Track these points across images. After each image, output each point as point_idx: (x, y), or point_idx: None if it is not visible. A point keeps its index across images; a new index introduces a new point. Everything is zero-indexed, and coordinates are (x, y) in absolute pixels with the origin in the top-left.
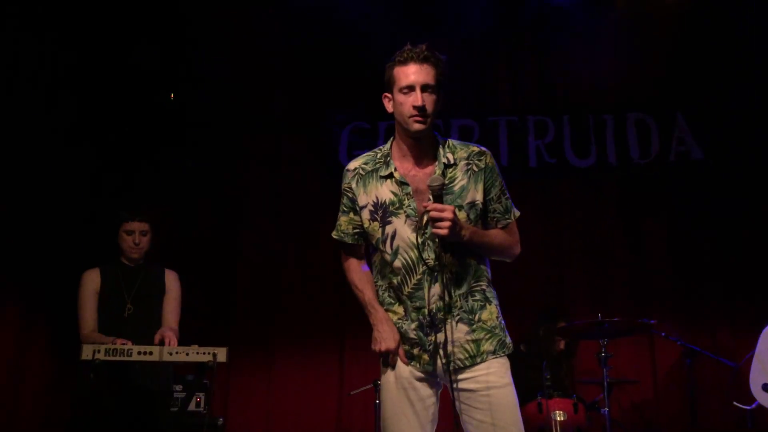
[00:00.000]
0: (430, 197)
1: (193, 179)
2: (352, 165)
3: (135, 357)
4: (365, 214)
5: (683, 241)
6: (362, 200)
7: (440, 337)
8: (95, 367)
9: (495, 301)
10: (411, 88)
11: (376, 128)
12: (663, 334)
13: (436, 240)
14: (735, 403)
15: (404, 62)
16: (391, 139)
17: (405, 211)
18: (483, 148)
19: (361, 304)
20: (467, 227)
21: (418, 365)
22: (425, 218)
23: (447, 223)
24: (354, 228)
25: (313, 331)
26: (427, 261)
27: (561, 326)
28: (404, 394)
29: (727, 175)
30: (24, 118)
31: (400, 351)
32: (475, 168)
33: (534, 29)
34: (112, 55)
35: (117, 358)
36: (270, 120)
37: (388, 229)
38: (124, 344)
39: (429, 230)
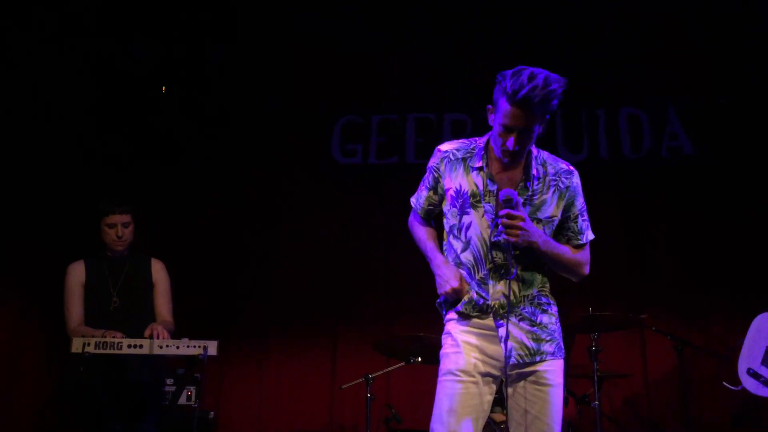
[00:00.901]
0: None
1: (188, 173)
2: (445, 147)
3: (125, 350)
4: (446, 198)
5: (675, 236)
6: (447, 183)
7: (501, 331)
8: (85, 361)
9: (555, 309)
10: (510, 130)
11: (369, 122)
12: (653, 328)
13: (509, 244)
14: (724, 383)
15: (510, 99)
16: (489, 135)
17: (484, 207)
18: (571, 168)
19: (423, 253)
20: (541, 236)
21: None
22: (498, 223)
23: (517, 231)
24: (429, 205)
25: (306, 325)
26: (495, 259)
27: None
28: (466, 387)
29: (719, 170)
30: (14, 111)
31: (467, 285)
32: (560, 185)
33: (528, 23)
34: (108, 48)
35: (107, 351)
36: (263, 113)
37: (465, 219)
38: (114, 337)
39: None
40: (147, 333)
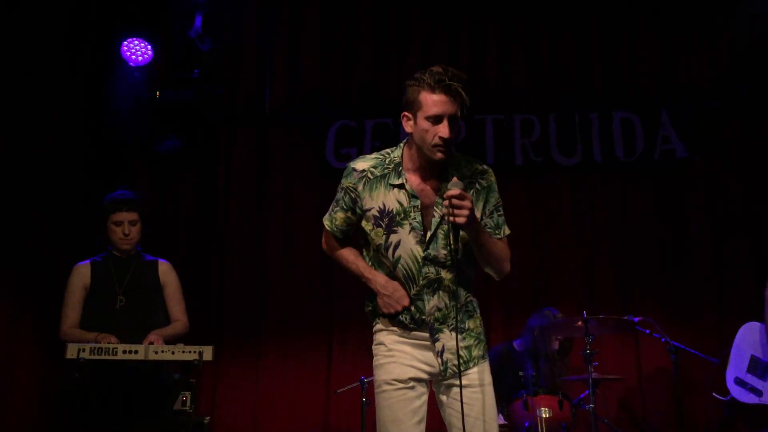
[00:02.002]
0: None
1: (183, 174)
2: (360, 166)
3: (120, 356)
4: (368, 218)
5: (668, 239)
6: (367, 204)
7: (438, 345)
8: (81, 366)
9: (479, 311)
10: (439, 119)
11: (363, 126)
12: (647, 331)
13: (450, 234)
14: (714, 394)
15: (433, 89)
16: (402, 146)
17: (411, 224)
18: (485, 166)
19: (355, 275)
20: (478, 221)
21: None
22: (445, 210)
23: (466, 212)
24: (347, 226)
25: (301, 329)
26: (428, 274)
27: (554, 325)
28: (403, 394)
29: (712, 173)
30: (11, 104)
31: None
32: (478, 186)
33: (522, 28)
34: (96, 46)
35: (102, 357)
36: (258, 117)
37: (393, 238)
38: (108, 342)
39: (435, 243)
40: (145, 343)
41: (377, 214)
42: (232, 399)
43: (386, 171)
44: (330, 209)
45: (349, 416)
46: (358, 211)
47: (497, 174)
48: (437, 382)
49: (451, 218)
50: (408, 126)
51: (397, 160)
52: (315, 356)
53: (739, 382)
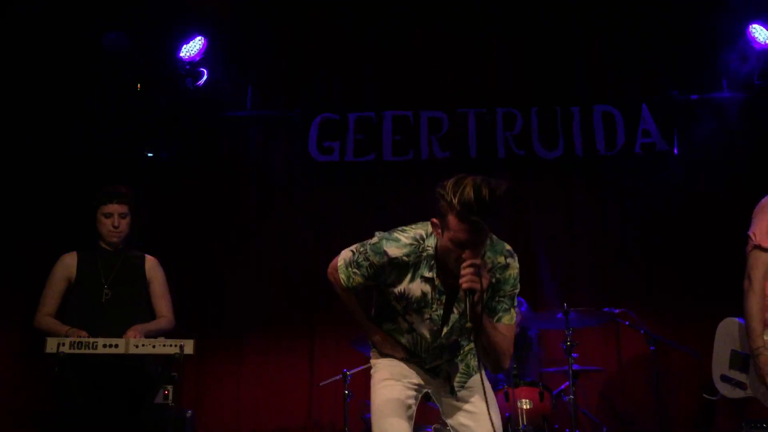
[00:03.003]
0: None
1: (165, 169)
2: (393, 252)
3: (100, 350)
4: (391, 292)
5: (649, 232)
6: (392, 281)
7: (442, 375)
8: (61, 361)
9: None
10: (462, 246)
11: (346, 120)
12: (627, 323)
13: (467, 300)
14: (704, 394)
15: (462, 219)
16: (433, 235)
17: (430, 315)
18: (509, 260)
19: (356, 322)
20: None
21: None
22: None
23: (484, 278)
24: (363, 287)
25: (284, 323)
26: (433, 351)
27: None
28: (397, 390)
29: (692, 166)
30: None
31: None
32: (493, 280)
33: (503, 24)
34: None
35: (82, 351)
36: (240, 111)
37: (407, 318)
38: (79, 336)
39: (449, 334)
40: (125, 337)
41: (398, 294)
42: (215, 392)
43: (419, 260)
44: (348, 264)
45: (332, 409)
46: (380, 281)
47: (480, 167)
48: (439, 395)
49: (469, 284)
50: (436, 233)
51: (430, 251)
52: (298, 349)
53: (725, 378)
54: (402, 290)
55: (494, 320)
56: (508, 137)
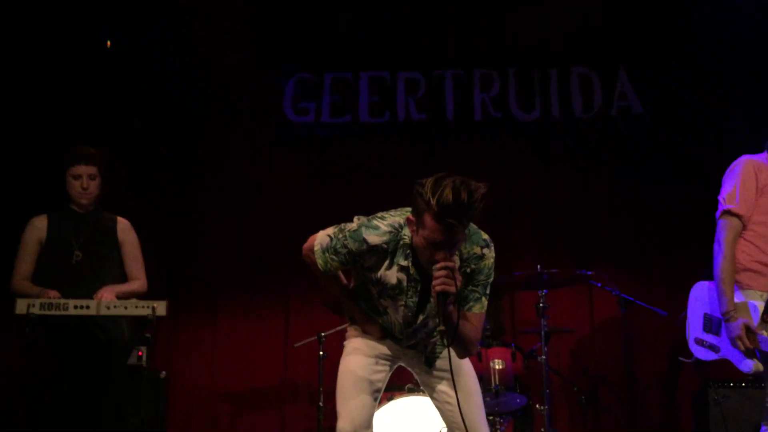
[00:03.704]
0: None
1: (137, 129)
2: (373, 240)
3: (71, 311)
4: (368, 276)
5: (623, 194)
6: (369, 265)
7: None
8: (31, 322)
9: None
10: (436, 246)
11: (322, 80)
12: (599, 284)
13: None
14: (680, 357)
15: (438, 220)
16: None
17: (405, 302)
18: (485, 250)
19: (337, 299)
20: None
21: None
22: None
23: (455, 280)
24: (340, 270)
25: (258, 284)
26: (407, 332)
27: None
28: (363, 363)
29: (666, 129)
30: None
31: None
32: (467, 270)
33: None
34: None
35: (52, 312)
36: (216, 72)
37: (382, 302)
38: (50, 297)
39: (423, 320)
40: (96, 297)
41: (374, 279)
42: (189, 354)
43: (397, 248)
44: (325, 250)
45: (307, 370)
46: (357, 265)
47: (456, 129)
48: (420, 373)
49: (442, 287)
50: (411, 230)
51: (407, 240)
52: (272, 311)
53: (699, 341)
54: (378, 276)
55: (465, 309)
56: (485, 99)
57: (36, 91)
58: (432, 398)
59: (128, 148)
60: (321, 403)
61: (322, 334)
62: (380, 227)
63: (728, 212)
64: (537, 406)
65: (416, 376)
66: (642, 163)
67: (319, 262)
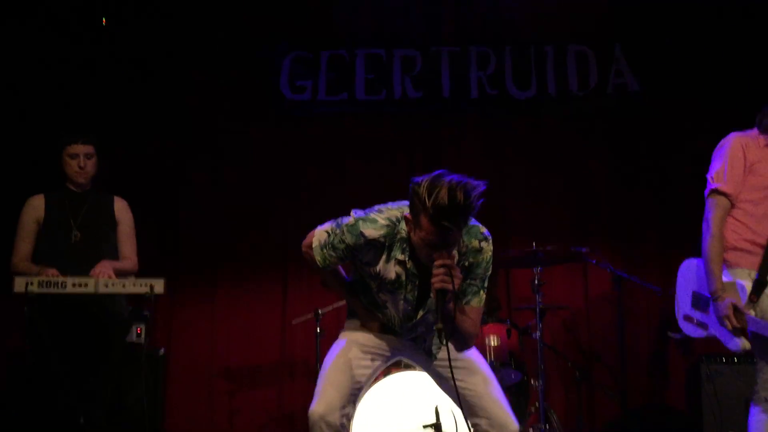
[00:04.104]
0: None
1: (135, 110)
2: (370, 234)
3: (69, 289)
4: (365, 270)
5: (618, 172)
6: (366, 259)
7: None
8: (30, 300)
9: None
10: (433, 247)
11: (318, 58)
12: (594, 261)
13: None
14: (669, 333)
15: (434, 222)
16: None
17: (405, 296)
18: (483, 244)
19: (337, 293)
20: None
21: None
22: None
23: (454, 276)
24: (339, 266)
25: (256, 261)
26: (407, 326)
27: (496, 257)
28: (357, 354)
29: (662, 106)
30: None
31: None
32: (466, 264)
33: None
34: None
35: (51, 290)
36: (209, 51)
37: (380, 296)
38: (54, 275)
39: (423, 315)
40: (92, 273)
41: (372, 273)
42: (187, 331)
43: (394, 242)
44: (323, 246)
45: (304, 347)
46: (356, 259)
47: (452, 107)
48: (425, 367)
49: (440, 284)
50: (409, 228)
51: (404, 234)
52: (270, 288)
53: (687, 318)
54: (377, 271)
55: (462, 303)
56: (481, 77)
57: (30, 67)
58: (440, 386)
59: (123, 126)
60: None
61: (320, 311)
62: (378, 221)
63: (716, 191)
64: (532, 381)
65: (421, 368)
66: (638, 141)
67: (318, 258)
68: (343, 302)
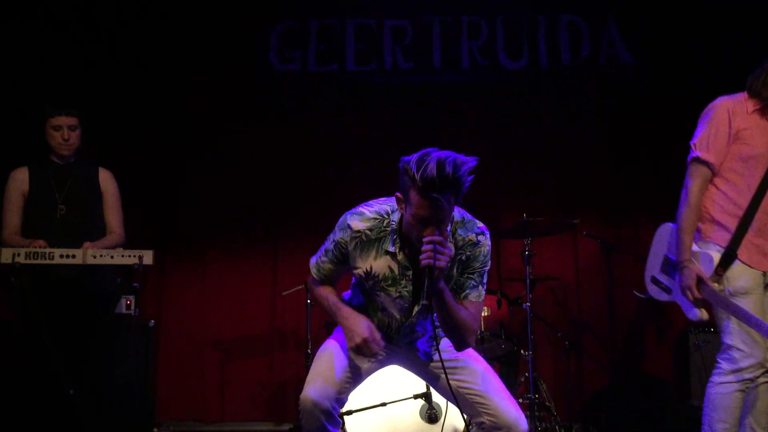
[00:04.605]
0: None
1: (128, 81)
2: (356, 225)
3: (57, 260)
4: (355, 274)
5: (609, 143)
6: (355, 262)
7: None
8: (17, 271)
9: None
10: (425, 222)
11: (307, 27)
12: (584, 232)
13: (431, 269)
14: (634, 291)
15: (423, 195)
16: (399, 211)
17: (400, 292)
18: (480, 237)
19: (327, 311)
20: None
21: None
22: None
23: (446, 258)
24: (336, 274)
25: (247, 232)
26: (403, 330)
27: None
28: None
29: (655, 77)
30: None
31: (377, 335)
32: (463, 257)
33: None
34: None
35: (38, 261)
36: (200, 17)
37: (374, 298)
38: (42, 246)
39: (418, 306)
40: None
41: (363, 274)
42: (177, 302)
43: (382, 235)
44: (318, 256)
45: (295, 318)
46: (348, 266)
47: (444, 77)
48: (421, 372)
49: (427, 261)
50: (400, 208)
51: (394, 226)
52: (261, 259)
53: (654, 281)
54: (368, 268)
55: (461, 297)
56: (472, 47)
57: (30, 67)
58: (440, 392)
59: (111, 98)
60: (309, 350)
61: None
62: (365, 213)
63: (697, 159)
64: (522, 351)
65: (418, 376)
66: (630, 112)
67: (313, 271)
68: None
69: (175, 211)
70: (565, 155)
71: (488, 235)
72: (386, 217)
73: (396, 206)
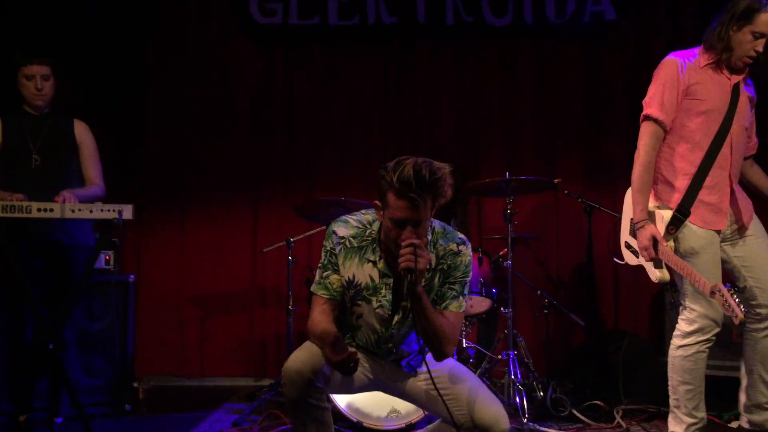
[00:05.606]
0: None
1: (100, 24)
2: (341, 231)
3: (34, 214)
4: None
5: (593, 103)
6: (340, 270)
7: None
8: None
9: None
10: (402, 224)
11: None
12: (566, 192)
13: (409, 271)
14: (614, 258)
15: (398, 195)
16: (380, 221)
17: (380, 301)
18: (461, 248)
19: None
20: (423, 292)
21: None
22: (403, 251)
23: (419, 256)
24: (341, 287)
25: (227, 188)
26: (386, 347)
27: (469, 186)
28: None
29: (640, 35)
30: None
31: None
32: (444, 267)
33: None
34: None
35: (15, 214)
36: None
37: (355, 310)
38: (20, 200)
39: (400, 323)
40: (57, 200)
41: (344, 283)
42: (158, 258)
43: (363, 244)
44: (318, 278)
45: (275, 275)
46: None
47: (427, 33)
48: (404, 387)
49: (405, 263)
50: (379, 215)
51: (374, 235)
52: (241, 215)
53: (627, 245)
54: (351, 276)
55: (441, 307)
56: (457, 3)
57: None
58: (425, 406)
59: (85, 48)
60: (291, 306)
61: (291, 239)
62: (349, 221)
63: (648, 117)
64: (502, 309)
65: (401, 397)
66: (614, 72)
67: (322, 293)
68: (314, 230)
69: (153, 164)
70: (547, 113)
71: (469, 246)
72: (368, 226)
73: (376, 216)
